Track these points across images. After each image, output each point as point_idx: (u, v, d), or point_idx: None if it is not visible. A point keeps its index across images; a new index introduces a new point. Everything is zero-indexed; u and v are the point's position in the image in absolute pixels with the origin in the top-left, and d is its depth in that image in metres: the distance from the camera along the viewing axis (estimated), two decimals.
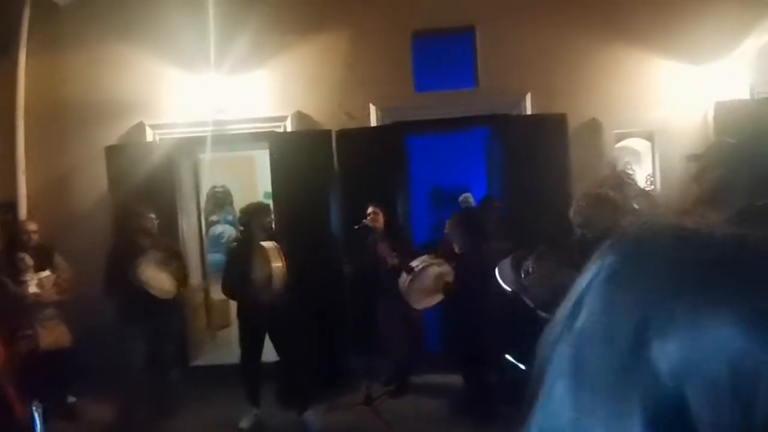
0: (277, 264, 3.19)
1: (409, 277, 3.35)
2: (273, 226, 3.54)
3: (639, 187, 3.18)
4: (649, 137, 4.22)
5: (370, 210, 3.66)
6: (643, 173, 4.24)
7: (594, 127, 4.08)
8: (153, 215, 3.48)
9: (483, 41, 4.22)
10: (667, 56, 4.03)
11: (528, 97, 4.12)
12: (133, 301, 3.22)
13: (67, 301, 3.52)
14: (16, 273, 3.42)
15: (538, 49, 4.13)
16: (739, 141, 1.90)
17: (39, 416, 2.21)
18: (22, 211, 4.25)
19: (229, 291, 3.36)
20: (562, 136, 3.89)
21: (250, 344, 3.34)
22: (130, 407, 3.35)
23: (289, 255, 3.32)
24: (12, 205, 4.23)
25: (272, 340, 3.33)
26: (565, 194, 3.69)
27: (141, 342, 3.31)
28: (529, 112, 4.12)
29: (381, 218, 3.66)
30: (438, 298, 3.33)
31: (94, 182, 4.24)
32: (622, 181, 2.84)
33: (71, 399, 3.65)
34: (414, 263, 3.36)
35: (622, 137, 4.22)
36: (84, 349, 3.43)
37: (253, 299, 3.18)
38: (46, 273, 3.52)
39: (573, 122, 3.98)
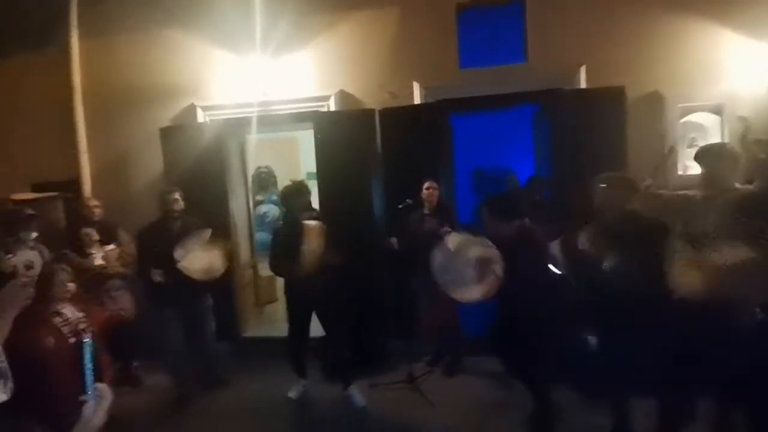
0: (319, 243, 3.23)
1: (442, 261, 2.87)
2: (311, 205, 3.57)
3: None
4: (718, 111, 3.89)
5: (427, 185, 3.62)
6: None
7: (656, 101, 3.79)
8: (178, 195, 3.45)
9: (533, 12, 4.00)
10: (734, 28, 3.71)
11: (582, 69, 3.88)
12: (169, 281, 3.23)
13: (131, 273, 3.73)
14: (82, 247, 3.66)
15: (593, 18, 3.87)
16: None
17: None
18: (86, 190, 4.55)
19: (276, 269, 3.45)
20: (620, 110, 3.64)
21: (297, 320, 3.44)
22: (179, 377, 3.55)
23: (332, 234, 3.37)
24: (75, 184, 4.53)
25: (318, 316, 3.41)
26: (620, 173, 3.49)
27: (179, 321, 3.39)
28: (583, 86, 3.89)
29: (436, 194, 3.63)
30: (479, 290, 2.66)
31: (150, 162, 4.44)
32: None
33: (135, 363, 3.94)
34: (449, 242, 2.85)
35: (687, 111, 3.91)
36: (145, 317, 3.65)
37: (298, 277, 3.26)
38: (111, 247, 3.75)
39: (632, 96, 3.72)
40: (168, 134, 4.37)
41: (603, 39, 3.85)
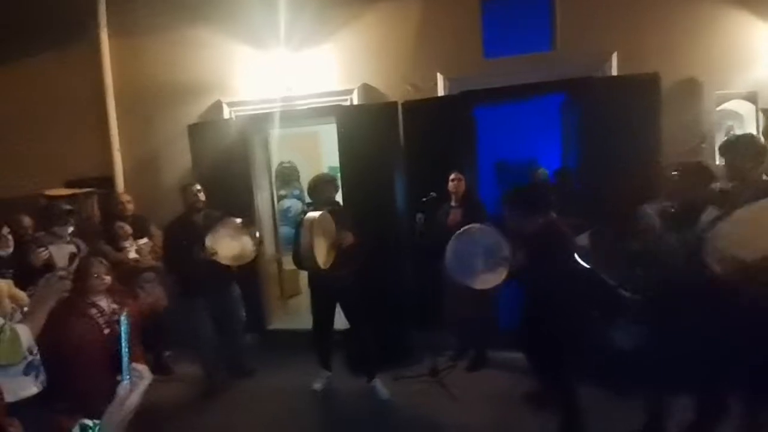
0: (336, 238, 3.21)
1: (454, 251, 3.02)
2: (335, 198, 3.56)
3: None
4: (753, 98, 3.71)
5: (453, 176, 3.58)
6: None
7: (691, 88, 3.63)
8: (198, 188, 3.49)
9: None
10: (765, 18, 3.53)
11: (614, 57, 3.75)
12: (194, 275, 3.30)
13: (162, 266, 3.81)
14: (116, 240, 3.77)
15: (625, 3, 3.73)
16: None
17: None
18: (119, 186, 4.70)
19: (299, 262, 3.48)
20: (654, 98, 3.50)
21: (322, 313, 3.46)
22: (209, 368, 3.62)
23: (356, 227, 3.36)
24: (109, 180, 4.68)
25: (342, 308, 3.43)
26: (654, 165, 3.36)
27: (208, 312, 3.45)
28: (614, 73, 3.75)
29: (463, 185, 3.58)
30: (500, 276, 2.87)
31: (179, 158, 4.54)
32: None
33: (167, 353, 4.06)
34: (461, 233, 3.03)
35: (723, 99, 3.73)
36: (176, 309, 3.75)
37: (322, 270, 3.27)
38: (144, 240, 3.86)
39: (666, 83, 3.57)
40: (195, 131, 4.46)
41: (635, 25, 3.71)
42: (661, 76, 3.53)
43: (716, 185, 2.41)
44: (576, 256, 3.18)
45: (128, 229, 3.80)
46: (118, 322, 2.62)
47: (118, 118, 4.69)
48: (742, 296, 2.03)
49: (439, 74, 4.09)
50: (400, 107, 4.07)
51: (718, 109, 3.76)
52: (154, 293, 3.77)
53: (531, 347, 3.02)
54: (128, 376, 2.55)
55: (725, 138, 2.62)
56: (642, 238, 2.68)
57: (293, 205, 6.82)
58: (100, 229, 4.04)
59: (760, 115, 3.65)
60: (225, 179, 4.14)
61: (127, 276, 3.58)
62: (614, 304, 2.99)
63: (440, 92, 4.10)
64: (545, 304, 2.91)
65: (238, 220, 3.52)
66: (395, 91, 4.15)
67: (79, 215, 4.01)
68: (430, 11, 4.10)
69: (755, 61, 3.57)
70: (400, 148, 4.09)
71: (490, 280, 2.94)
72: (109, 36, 4.63)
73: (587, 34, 3.80)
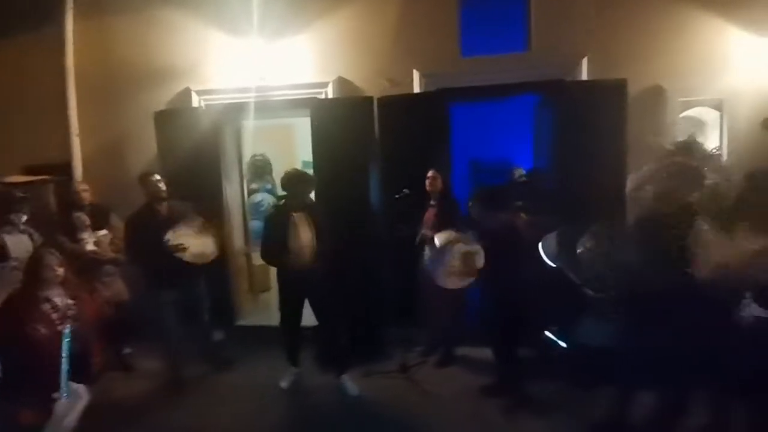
0: (308, 234, 3.21)
1: (431, 254, 3.23)
2: (310, 194, 3.52)
3: (710, 158, 2.91)
4: (718, 106, 3.87)
5: (430, 174, 3.59)
6: (709, 145, 3.90)
7: (657, 95, 3.76)
8: (158, 177, 3.41)
9: (536, 1, 3.93)
10: (737, 24, 3.68)
11: (584, 61, 3.83)
12: (158, 266, 3.21)
13: (124, 258, 3.66)
14: (74, 232, 3.60)
15: (596, 8, 3.82)
16: None
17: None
18: (78, 173, 4.47)
19: (267, 258, 3.42)
20: (621, 103, 3.61)
21: (290, 309, 3.41)
22: (173, 361, 3.53)
23: (328, 222, 3.33)
24: (67, 167, 4.45)
25: (311, 305, 3.39)
26: (620, 167, 3.47)
27: (174, 306, 3.37)
28: (584, 77, 3.84)
29: (439, 183, 3.59)
30: (468, 279, 3.08)
31: (144, 146, 4.36)
32: (691, 152, 2.61)
33: (127, 350, 3.90)
34: (437, 239, 3.20)
35: (687, 106, 3.89)
36: (138, 303, 3.60)
37: (290, 266, 3.23)
38: (103, 232, 3.69)
39: (633, 89, 3.68)
40: (162, 118, 4.28)
41: (606, 30, 3.81)
42: (628, 82, 3.63)
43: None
44: (542, 254, 3.27)
45: (85, 219, 3.63)
46: (72, 317, 2.49)
47: (81, 103, 4.47)
48: (719, 294, 2.10)
49: (415, 70, 4.08)
50: (375, 102, 4.04)
51: (681, 115, 3.91)
52: (113, 287, 3.64)
53: (492, 339, 3.23)
54: (66, 394, 2.43)
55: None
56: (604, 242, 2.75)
57: (265, 198, 6.68)
58: (56, 219, 3.84)
59: (725, 122, 3.80)
60: (192, 170, 4.00)
61: (86, 269, 3.43)
62: (579, 302, 3.09)
63: (416, 88, 4.09)
64: (506, 300, 3.02)
65: (200, 220, 3.44)
66: (371, 86, 4.12)
67: (35, 203, 3.79)
68: (408, 7, 4.08)
69: (722, 68, 3.70)
70: (375, 144, 4.06)
71: (456, 282, 3.13)
72: (76, 17, 4.40)
73: (560, 37, 3.87)
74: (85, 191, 3.78)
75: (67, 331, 2.46)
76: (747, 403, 2.30)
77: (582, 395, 3.04)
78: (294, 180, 3.32)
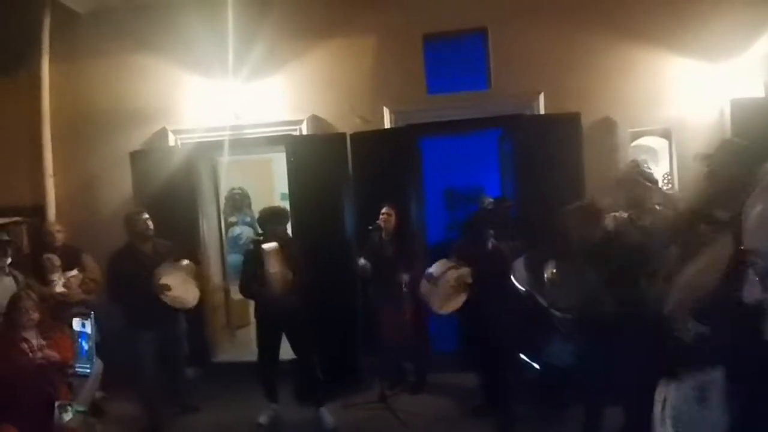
0: (284, 268, 3.26)
1: (430, 285, 3.36)
2: (286, 230, 3.61)
3: (658, 186, 3.15)
4: (666, 135, 4.18)
5: (384, 210, 3.71)
6: (660, 172, 4.20)
7: (608, 126, 4.05)
8: (146, 216, 3.39)
9: (495, 43, 4.24)
10: (682, 54, 4.00)
11: (541, 97, 4.13)
12: (142, 306, 3.20)
13: (95, 300, 3.63)
14: (44, 274, 3.56)
15: (550, 49, 4.13)
16: (751, 142, 1.91)
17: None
18: (51, 215, 4.44)
19: (245, 292, 3.45)
20: (576, 135, 3.89)
21: (267, 343, 3.42)
22: (150, 403, 3.45)
23: (304, 256, 3.40)
24: (40, 209, 4.42)
25: (288, 338, 3.41)
26: (578, 194, 3.69)
27: (153, 345, 3.33)
28: (542, 111, 4.13)
29: (393, 219, 3.71)
30: (462, 299, 3.26)
31: (119, 186, 4.40)
32: (639, 180, 2.83)
33: (99, 394, 3.79)
34: (432, 270, 3.35)
35: (637, 135, 4.19)
36: (110, 346, 3.55)
37: (268, 300, 3.27)
38: (74, 272, 3.65)
39: (587, 121, 3.97)
40: (138, 158, 4.35)
41: (560, 67, 4.11)
42: (581, 115, 3.93)
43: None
44: (512, 278, 3.43)
45: (56, 260, 3.60)
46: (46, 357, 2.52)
47: (56, 145, 4.51)
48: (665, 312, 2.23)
49: (385, 108, 4.30)
50: (348, 138, 4.22)
51: (633, 144, 4.21)
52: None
53: (475, 362, 3.34)
54: (89, 368, 2.64)
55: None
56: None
57: (244, 231, 6.70)
58: (27, 261, 3.79)
59: (674, 150, 4.08)
60: (168, 207, 4.04)
61: (57, 311, 3.38)
62: (547, 323, 3.22)
63: (387, 124, 4.30)
64: (488, 322, 3.14)
65: (186, 262, 3.48)
66: (343, 123, 4.31)
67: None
68: (377, 49, 4.34)
69: (667, 99, 4.01)
70: (348, 178, 4.21)
71: (451, 305, 3.31)
72: (52, 61, 4.49)
73: (518, 76, 4.17)
74: (59, 232, 3.77)
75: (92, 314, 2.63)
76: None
77: (553, 415, 3.12)
78: (268, 217, 3.42)
